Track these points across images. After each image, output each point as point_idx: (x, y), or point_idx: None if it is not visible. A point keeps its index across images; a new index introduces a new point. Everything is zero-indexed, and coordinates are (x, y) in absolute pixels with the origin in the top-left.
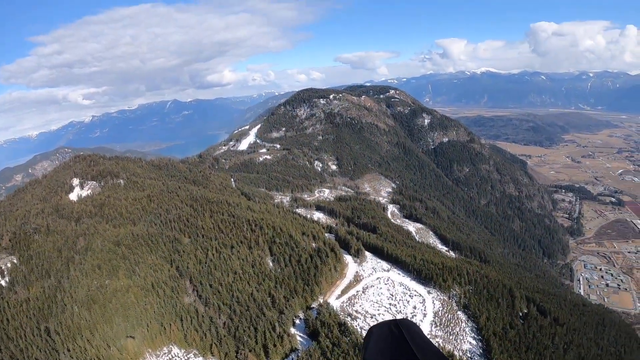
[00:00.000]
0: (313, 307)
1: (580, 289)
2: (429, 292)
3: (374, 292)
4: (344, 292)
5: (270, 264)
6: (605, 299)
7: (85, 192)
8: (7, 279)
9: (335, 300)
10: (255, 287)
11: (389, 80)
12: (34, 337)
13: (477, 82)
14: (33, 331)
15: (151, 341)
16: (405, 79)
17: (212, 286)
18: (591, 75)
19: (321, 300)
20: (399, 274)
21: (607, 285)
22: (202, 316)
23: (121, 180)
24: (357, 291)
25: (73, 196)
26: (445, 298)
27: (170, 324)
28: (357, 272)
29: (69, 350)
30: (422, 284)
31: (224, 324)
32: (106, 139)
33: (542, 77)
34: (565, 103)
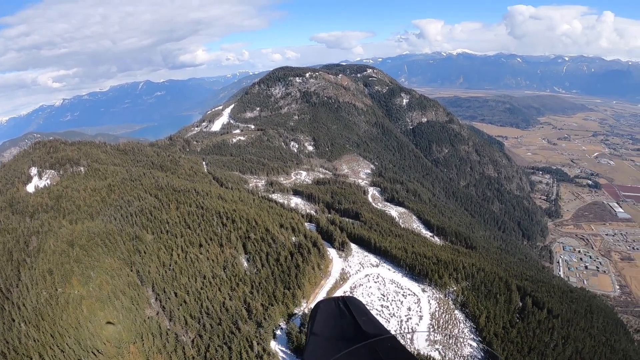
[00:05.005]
0: (296, 315)
1: (560, 271)
2: (423, 291)
3: (363, 292)
4: (329, 294)
5: (245, 264)
6: (585, 282)
7: (43, 182)
8: None
9: None
10: (228, 294)
11: (364, 60)
12: None
13: (453, 63)
14: None
15: None
16: (381, 59)
17: (177, 295)
18: (567, 59)
19: (304, 306)
20: (389, 269)
21: (586, 267)
22: (167, 333)
23: (82, 168)
24: (345, 292)
25: (30, 187)
26: (441, 296)
27: (129, 345)
28: (343, 268)
29: None
30: (416, 280)
31: (193, 342)
32: (77, 122)
33: (518, 59)
34: (541, 86)
